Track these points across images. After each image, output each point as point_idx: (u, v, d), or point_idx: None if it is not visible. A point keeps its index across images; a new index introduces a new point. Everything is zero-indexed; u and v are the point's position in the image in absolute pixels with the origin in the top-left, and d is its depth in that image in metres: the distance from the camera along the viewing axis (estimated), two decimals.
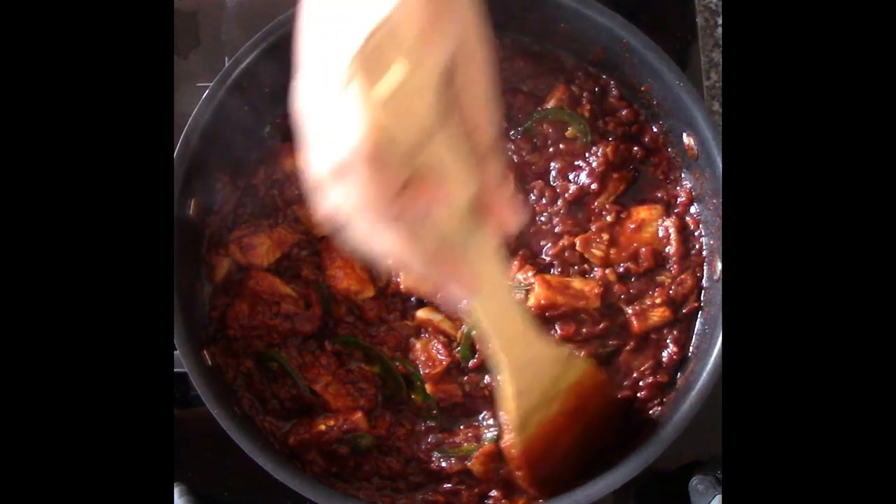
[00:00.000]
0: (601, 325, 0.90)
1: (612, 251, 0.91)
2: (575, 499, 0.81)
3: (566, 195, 0.93)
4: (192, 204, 0.90)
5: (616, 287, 0.90)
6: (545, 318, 0.89)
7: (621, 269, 0.91)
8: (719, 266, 0.90)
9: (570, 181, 0.93)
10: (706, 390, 0.83)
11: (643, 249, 0.91)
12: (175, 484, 0.93)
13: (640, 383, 0.90)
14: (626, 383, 0.90)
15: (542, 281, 0.89)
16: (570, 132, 0.94)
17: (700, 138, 0.88)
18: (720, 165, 0.86)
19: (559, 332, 0.89)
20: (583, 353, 0.89)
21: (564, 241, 0.92)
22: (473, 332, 0.88)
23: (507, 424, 0.80)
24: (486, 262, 0.64)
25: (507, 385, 0.76)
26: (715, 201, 0.89)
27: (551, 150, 0.94)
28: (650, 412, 0.89)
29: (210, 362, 0.89)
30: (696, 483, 0.91)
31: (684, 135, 0.91)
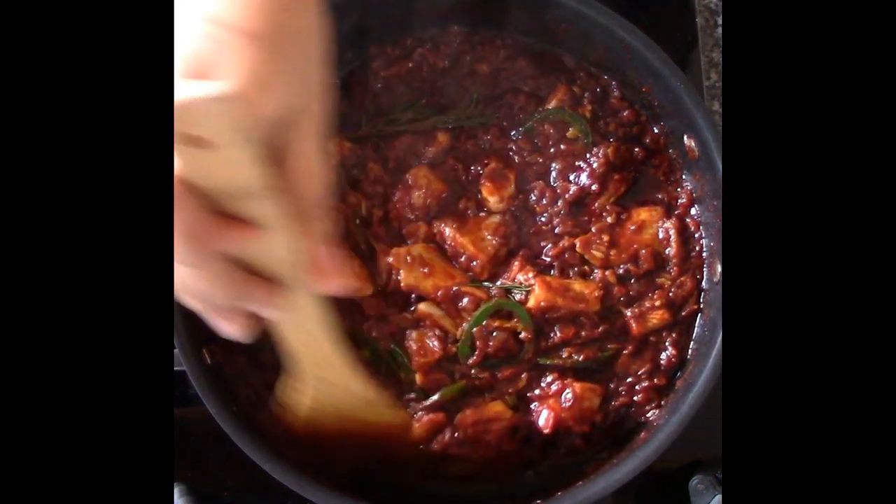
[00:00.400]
0: (600, 329, 0.90)
1: (612, 252, 0.91)
2: (575, 499, 0.81)
3: (567, 196, 0.93)
4: None
5: (616, 289, 0.90)
6: (545, 320, 0.89)
7: (621, 271, 0.91)
8: (719, 268, 0.89)
9: (570, 182, 0.93)
10: (705, 392, 0.82)
11: (643, 251, 0.91)
12: (175, 484, 0.93)
13: (637, 387, 0.90)
14: (622, 389, 0.90)
15: (543, 282, 0.89)
16: (571, 133, 0.94)
17: (700, 140, 0.88)
18: (721, 167, 0.86)
19: (558, 334, 0.89)
20: (582, 356, 0.89)
21: (565, 242, 0.91)
22: (473, 330, 0.88)
23: (296, 400, 0.80)
24: (302, 303, 0.65)
25: (304, 387, 0.77)
26: (715, 203, 0.89)
27: (552, 150, 0.94)
28: (649, 414, 0.89)
29: (209, 360, 0.89)
30: (696, 483, 0.91)
31: (685, 136, 0.91)
